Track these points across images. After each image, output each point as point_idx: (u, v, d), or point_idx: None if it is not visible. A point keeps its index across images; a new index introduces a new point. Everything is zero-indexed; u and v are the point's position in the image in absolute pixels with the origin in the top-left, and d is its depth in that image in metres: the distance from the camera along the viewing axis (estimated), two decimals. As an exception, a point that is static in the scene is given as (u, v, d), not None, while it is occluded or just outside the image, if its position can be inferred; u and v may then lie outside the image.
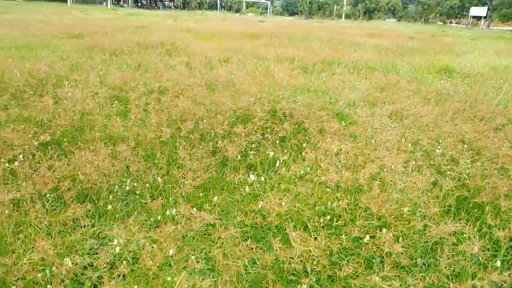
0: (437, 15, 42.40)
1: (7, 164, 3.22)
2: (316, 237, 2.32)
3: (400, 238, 2.56)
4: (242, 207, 3.05)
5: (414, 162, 3.47)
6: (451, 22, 40.41)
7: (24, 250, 2.44)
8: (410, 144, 3.94)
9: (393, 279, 2.19)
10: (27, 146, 3.45)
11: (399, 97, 5.73)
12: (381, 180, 3.04)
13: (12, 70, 5.81)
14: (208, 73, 6.39)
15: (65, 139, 3.86)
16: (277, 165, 3.62)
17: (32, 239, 2.53)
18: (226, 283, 2.17)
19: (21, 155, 3.32)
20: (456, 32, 27.53)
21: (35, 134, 3.71)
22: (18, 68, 6.02)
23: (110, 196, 3.05)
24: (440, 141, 4.02)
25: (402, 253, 2.29)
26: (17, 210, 2.78)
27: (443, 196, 3.05)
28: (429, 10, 41.98)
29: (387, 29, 27.35)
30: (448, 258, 2.35)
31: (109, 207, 2.92)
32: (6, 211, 2.62)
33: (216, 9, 55.65)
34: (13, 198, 2.73)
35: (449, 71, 9.44)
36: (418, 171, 3.31)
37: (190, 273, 2.32)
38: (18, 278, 2.13)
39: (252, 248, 2.37)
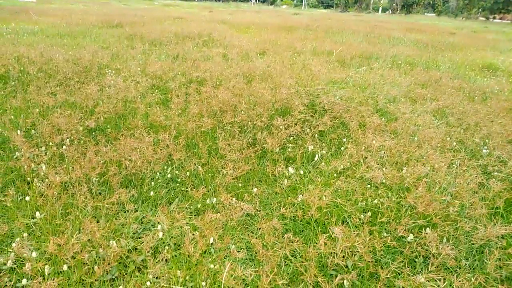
0: (480, 10, 40.56)
1: (55, 148, 3.36)
2: (359, 233, 2.29)
3: (445, 238, 2.49)
4: (281, 199, 3.05)
5: (459, 162, 3.35)
6: (494, 18, 38.55)
7: (72, 231, 2.54)
8: (455, 143, 3.81)
9: (438, 280, 2.14)
10: (74, 131, 3.57)
11: (442, 94, 5.54)
12: (426, 178, 2.95)
13: (58, 58, 6.03)
14: (245, 64, 6.40)
15: (108, 126, 3.97)
16: (315, 159, 3.59)
17: (80, 221, 2.63)
18: (267, 274, 2.18)
19: (67, 140, 3.45)
20: (499, 29, 26.25)
21: (80, 120, 3.84)
22: (63, 55, 6.24)
23: (153, 183, 3.12)
24: (487, 141, 3.86)
25: (448, 254, 2.22)
26: (66, 193, 2.90)
27: (491, 198, 2.94)
28: (471, 5, 40.23)
29: (426, 24, 26.44)
30: (496, 261, 2.26)
31: (152, 193, 2.99)
32: (55, 193, 2.73)
33: (251, 0, 55.52)
34: (62, 181, 2.84)
35: (492, 69, 9.04)
36: (464, 171, 3.20)
37: (232, 262, 2.34)
38: (68, 258, 2.22)
39: (293, 241, 2.36)
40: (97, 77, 5.24)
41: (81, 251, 2.29)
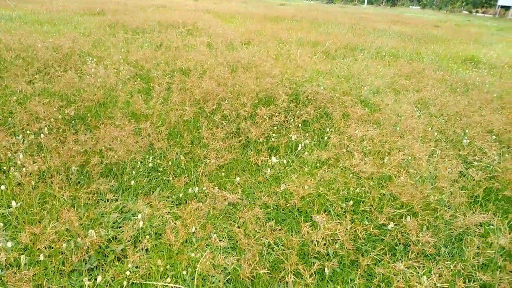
0: (463, 4, 41.04)
1: (32, 136, 3.27)
2: (340, 222, 2.29)
3: (425, 227, 2.52)
4: (264, 188, 3.04)
5: (440, 151, 3.39)
6: (477, 12, 39.05)
7: (49, 220, 2.48)
8: (436, 133, 3.85)
9: (417, 267, 2.16)
10: (52, 119, 3.48)
11: (425, 86, 5.59)
12: (407, 168, 2.97)
13: (37, 45, 5.86)
14: (230, 54, 6.33)
15: (88, 114, 3.88)
16: (299, 148, 3.59)
17: (57, 211, 2.57)
18: (248, 262, 2.17)
19: (46, 128, 3.36)
20: (482, 22, 26.60)
21: (60, 108, 3.74)
22: (42, 42, 6.06)
23: (134, 172, 3.07)
24: (467, 131, 3.92)
25: (427, 242, 2.25)
26: (43, 182, 2.83)
27: (470, 187, 2.99)
28: (455, -1, 40.67)
29: (410, 16, 26.64)
30: (474, 249, 2.30)
31: (132, 182, 2.94)
32: (33, 182, 2.66)
33: (236, -9, 54.84)
34: (39, 169, 2.77)
35: (475, 62, 9.17)
36: (445, 160, 3.24)
37: (213, 251, 2.32)
38: (45, 247, 2.17)
39: (275, 229, 2.36)
40: (78, 65, 5.11)
41: (58, 241, 2.25)
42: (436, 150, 3.41)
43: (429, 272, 2.13)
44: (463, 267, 2.16)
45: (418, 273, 1.99)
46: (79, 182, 2.93)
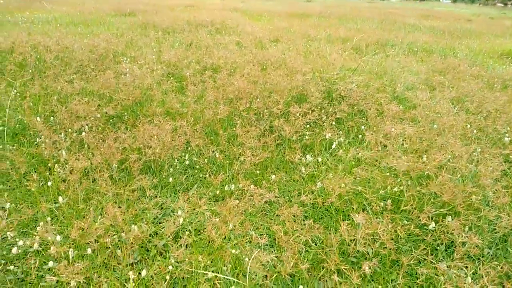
0: (498, -4, 39.47)
1: (74, 134, 3.39)
2: (381, 221, 2.27)
3: (467, 227, 2.45)
4: (299, 186, 3.04)
5: (480, 150, 3.29)
6: (512, 4, 37.50)
7: (94, 216, 2.57)
8: (476, 131, 3.74)
9: (461, 268, 2.12)
10: (92, 118, 3.59)
11: (461, 82, 5.43)
12: (448, 166, 2.91)
13: (73, 46, 6.06)
14: (259, 52, 6.35)
15: (126, 113, 3.99)
16: (333, 146, 3.56)
17: (102, 206, 2.66)
18: (288, 259, 2.18)
19: (86, 126, 3.48)
20: (518, 15, 25.56)
21: (98, 107, 3.86)
22: (78, 43, 6.27)
23: (171, 169, 3.14)
24: (509, 128, 3.79)
25: (472, 242, 2.19)
26: (86, 178, 2.93)
27: (513, 186, 2.89)
28: (488, -9, 39.19)
29: (441, 10, 25.90)
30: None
31: (171, 179, 3.01)
32: (77, 179, 2.76)
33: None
34: (83, 167, 2.87)
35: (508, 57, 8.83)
36: (486, 159, 3.14)
37: (252, 248, 2.35)
38: (92, 241, 2.25)
39: (313, 228, 2.36)
40: (113, 65, 5.25)
41: (104, 235, 2.33)
42: (476, 148, 3.32)
43: (475, 274, 2.09)
44: (510, 269, 2.10)
45: (465, 274, 1.95)
46: (119, 179, 3.02)
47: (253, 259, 2.15)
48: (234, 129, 3.55)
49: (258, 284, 2.15)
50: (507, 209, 2.60)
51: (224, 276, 2.11)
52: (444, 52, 8.44)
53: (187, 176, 3.15)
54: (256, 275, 2.16)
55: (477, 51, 9.09)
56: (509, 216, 2.42)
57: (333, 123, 3.92)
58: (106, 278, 2.18)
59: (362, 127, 3.84)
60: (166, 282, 2.15)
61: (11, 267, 2.18)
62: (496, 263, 2.05)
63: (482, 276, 1.89)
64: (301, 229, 2.38)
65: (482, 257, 2.39)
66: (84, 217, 2.56)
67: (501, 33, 12.84)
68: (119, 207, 2.67)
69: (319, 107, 4.01)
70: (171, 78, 5.06)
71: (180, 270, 2.21)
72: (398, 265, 2.30)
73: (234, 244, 2.40)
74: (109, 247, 2.33)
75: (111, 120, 3.84)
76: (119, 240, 2.38)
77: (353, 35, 9.12)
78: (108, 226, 2.40)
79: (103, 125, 3.65)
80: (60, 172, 2.93)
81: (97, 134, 3.42)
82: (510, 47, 9.93)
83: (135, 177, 2.93)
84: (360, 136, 3.76)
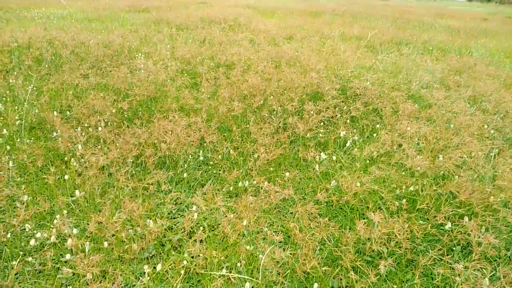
0: (515, -6, 38.71)
1: (90, 129, 3.42)
2: (397, 220, 2.25)
3: (484, 228, 2.42)
4: (314, 184, 3.03)
5: (498, 150, 3.25)
6: (530, 3, 36.74)
7: (111, 210, 2.59)
8: (493, 131, 3.68)
9: (479, 269, 2.09)
10: (108, 113, 3.63)
11: (477, 81, 5.35)
12: (465, 166, 2.87)
13: (88, 41, 6.12)
14: (273, 49, 6.33)
15: (141, 108, 4.02)
16: (347, 145, 3.54)
17: (118, 201, 2.69)
18: (303, 257, 2.17)
19: (102, 121, 3.51)
20: (536, 14, 25.05)
21: (114, 102, 3.89)
22: (93, 39, 6.33)
23: (186, 165, 3.15)
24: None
25: (490, 243, 2.16)
26: (102, 173, 2.96)
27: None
28: (505, -11, 38.46)
29: (457, 9, 25.52)
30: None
31: (185, 175, 3.02)
32: (93, 173, 2.79)
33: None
34: (99, 161, 2.90)
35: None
36: (504, 159, 3.09)
37: (266, 244, 2.35)
38: (109, 235, 2.28)
39: (328, 226, 2.35)
40: (128, 61, 5.29)
41: (120, 230, 2.35)
42: (494, 148, 3.27)
43: (493, 275, 2.06)
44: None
45: (482, 275, 1.92)
46: (135, 174, 3.05)
47: (267, 255, 2.15)
48: (248, 125, 3.55)
49: (272, 281, 2.15)
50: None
51: (238, 276, 2.11)
52: (459, 51, 8.32)
53: (201, 172, 3.16)
54: (270, 272, 2.16)
55: (493, 51, 8.94)
56: (527, 218, 2.39)
57: (348, 121, 3.90)
58: (121, 271, 2.20)
59: (377, 125, 3.81)
60: (181, 276, 2.16)
61: (29, 259, 2.21)
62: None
63: (500, 278, 1.86)
64: (316, 226, 2.37)
65: (499, 258, 2.36)
66: (100, 211, 2.59)
67: (518, 33, 12.60)
68: (135, 201, 2.69)
69: (333, 105, 3.99)
70: (185, 74, 5.08)
71: (195, 265, 2.22)
72: (413, 265, 2.27)
73: (249, 241, 2.41)
74: (125, 241, 2.35)
75: (126, 116, 3.87)
76: (134, 234, 2.40)
77: (367, 33, 9.04)
78: (125, 221, 2.42)
79: (119, 120, 3.68)
80: (76, 166, 2.97)
81: (113, 129, 3.45)
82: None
83: (150, 172, 2.96)
84: (375, 134, 3.73)
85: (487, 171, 2.83)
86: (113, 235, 2.32)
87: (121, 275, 2.16)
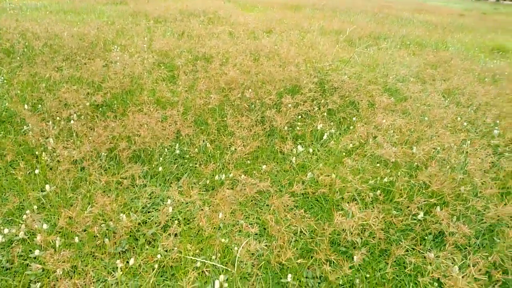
0: (490, -9, 39.62)
1: (63, 122, 3.33)
2: (370, 211, 2.27)
3: (455, 217, 2.47)
4: (290, 176, 3.03)
5: (470, 142, 3.31)
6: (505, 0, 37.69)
7: (83, 205, 2.54)
8: (466, 123, 3.76)
9: (450, 258, 2.14)
10: (81, 106, 3.54)
11: (452, 75, 5.45)
12: (438, 158, 2.92)
13: (63, 34, 5.95)
14: (252, 42, 6.29)
15: (115, 101, 3.93)
16: (324, 137, 3.56)
17: (90, 195, 2.63)
18: (278, 248, 2.18)
19: (75, 114, 3.42)
20: (510, 11, 25.71)
21: (87, 95, 3.80)
22: (68, 31, 6.15)
23: (161, 159, 3.11)
24: (498, 121, 3.82)
25: (461, 232, 2.21)
26: (75, 167, 2.89)
27: (502, 178, 2.91)
28: (481, -14, 39.32)
29: (435, 5, 25.92)
30: (508, 241, 2.25)
31: (160, 168, 2.98)
32: (65, 167, 2.72)
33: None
34: (71, 155, 2.83)
35: (503, 51, 8.88)
36: (476, 150, 3.16)
37: (242, 237, 2.34)
38: (79, 231, 2.23)
39: (304, 217, 2.36)
40: (103, 53, 5.17)
41: (92, 224, 2.30)
42: (466, 140, 3.34)
43: (462, 263, 2.10)
44: (498, 259, 2.13)
45: (452, 263, 1.96)
46: (109, 168, 2.99)
47: (242, 248, 2.14)
48: (225, 119, 3.52)
49: (246, 272, 2.14)
50: (494, 200, 2.63)
51: (213, 263, 2.10)
52: (436, 46, 8.47)
53: (177, 166, 3.12)
54: (245, 264, 2.15)
55: (469, 45, 9.13)
56: (496, 206, 2.45)
57: (325, 114, 3.91)
58: (93, 267, 2.15)
59: (354, 118, 3.84)
60: (154, 270, 2.14)
61: (-4, 255, 2.14)
62: (484, 253, 2.07)
63: (469, 266, 1.90)
64: (292, 218, 2.38)
65: (469, 246, 2.41)
66: (72, 206, 2.53)
67: (493, 28, 12.91)
68: (108, 196, 2.64)
69: (311, 98, 3.99)
70: (162, 67, 5.00)
71: (169, 258, 2.19)
72: (387, 254, 2.31)
73: (224, 233, 2.39)
74: (97, 236, 2.30)
75: (100, 109, 3.79)
76: (107, 229, 2.35)
77: (347, 28, 9.09)
78: (97, 215, 2.37)
79: (92, 114, 3.59)
80: (47, 160, 2.89)
81: (86, 122, 3.37)
82: (502, 42, 10.00)
83: (124, 166, 2.90)
84: (351, 127, 3.75)
85: (459, 162, 2.89)
86: (84, 230, 2.27)
87: (92, 270, 2.12)
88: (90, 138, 3.02)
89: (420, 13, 15.60)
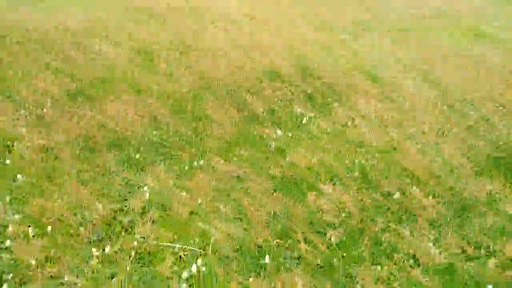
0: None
1: (37, 111, 3.25)
2: (347, 191, 2.28)
3: (431, 196, 2.49)
4: (269, 161, 3.02)
5: (449, 125, 3.35)
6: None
7: (57, 194, 2.48)
8: (444, 106, 3.79)
9: (424, 235, 2.17)
10: (55, 94, 3.46)
11: (431, 59, 5.48)
12: (414, 139, 2.95)
13: (38, 21, 5.80)
14: (233, 28, 6.22)
15: (92, 90, 3.85)
16: (304, 121, 3.55)
17: (65, 184, 2.58)
18: (256, 231, 2.18)
19: (49, 102, 3.34)
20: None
21: (63, 84, 3.72)
22: (48, 22, 5.98)
23: (138, 146, 3.06)
24: (475, 103, 3.86)
25: (434, 210, 2.24)
26: (48, 155, 2.82)
27: (477, 158, 2.95)
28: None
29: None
30: (480, 217, 2.30)
31: (138, 156, 2.93)
32: (38, 156, 2.66)
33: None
34: (44, 144, 2.77)
35: (479, 35, 8.95)
36: (452, 131, 3.20)
37: (221, 222, 2.33)
38: (53, 219, 2.19)
39: (282, 200, 2.36)
40: (80, 40, 5.05)
41: (66, 213, 2.26)
42: (443, 122, 3.37)
43: (436, 239, 2.13)
44: (472, 235, 2.16)
45: (427, 239, 1.99)
46: (83, 156, 2.92)
47: (220, 231, 2.14)
48: (203, 103, 3.48)
49: (225, 256, 2.13)
50: (470, 178, 2.67)
51: (190, 248, 2.08)
52: (416, 31, 8.49)
53: (155, 153, 3.08)
54: (222, 248, 2.14)
55: (450, 31, 9.17)
56: (471, 185, 2.49)
57: (305, 99, 3.90)
58: (68, 256, 2.12)
59: (334, 103, 3.84)
60: (131, 257, 2.11)
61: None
62: (460, 231, 2.10)
63: (441, 241, 1.93)
64: (270, 201, 2.38)
65: (445, 224, 2.44)
66: (45, 195, 2.48)
67: (467, 13, 12.99)
68: (83, 184, 2.59)
69: (291, 83, 3.97)
70: (141, 54, 4.91)
71: (146, 245, 2.17)
72: (363, 233, 2.32)
73: (202, 218, 2.37)
74: (72, 225, 2.26)
75: (76, 97, 3.70)
76: (82, 218, 2.31)
77: (330, 13, 9.05)
78: (71, 204, 2.33)
79: (67, 102, 3.51)
80: (20, 149, 2.82)
81: (61, 111, 3.29)
82: (477, 25, 10.06)
83: (100, 153, 2.85)
84: (331, 111, 3.75)
85: (436, 143, 2.92)
86: (58, 219, 2.23)
87: (67, 259, 2.08)
88: (64, 126, 2.96)
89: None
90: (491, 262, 1.95)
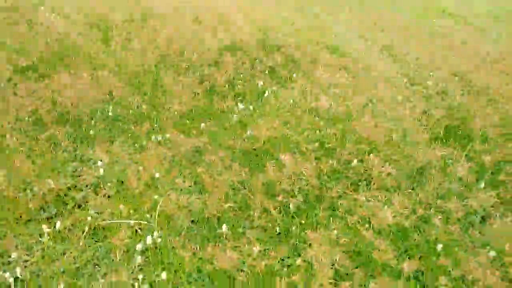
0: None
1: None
2: (306, 160, 2.29)
3: (387, 162, 2.55)
4: (230, 134, 2.98)
5: (405, 93, 3.42)
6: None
7: (5, 170, 2.35)
8: (404, 78, 3.86)
9: (379, 199, 2.22)
10: (4, 70, 3.25)
11: (391, 32, 5.55)
12: (372, 109, 2.99)
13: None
14: (193, 1, 6.02)
15: (43, 65, 3.64)
16: (266, 95, 3.52)
17: (13, 160, 2.44)
18: (214, 203, 2.16)
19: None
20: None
21: (10, 59, 3.50)
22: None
23: (93, 121, 2.94)
24: (432, 74, 3.96)
25: (388, 174, 2.29)
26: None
27: (432, 124, 3.04)
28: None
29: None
30: (435, 181, 2.37)
31: (92, 132, 2.82)
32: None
33: None
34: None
35: (441, 12, 9.15)
36: (410, 101, 3.27)
37: (178, 194, 2.28)
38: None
39: (241, 171, 2.34)
40: (28, 13, 4.74)
41: (13, 190, 2.15)
42: (401, 91, 3.44)
43: (391, 203, 2.19)
44: (424, 197, 2.23)
45: (382, 203, 2.03)
46: (34, 132, 2.78)
47: (177, 204, 2.10)
48: (162, 77, 3.38)
49: (182, 227, 2.11)
50: (424, 145, 2.74)
51: (145, 222, 2.04)
52: (376, 5, 8.56)
53: (110, 128, 2.97)
54: (180, 219, 2.11)
55: (413, 7, 9.30)
56: (425, 151, 2.56)
57: (267, 71, 3.86)
58: (18, 234, 2.03)
59: (294, 75, 3.82)
60: (85, 232, 2.05)
61: None
62: (410, 191, 2.16)
63: (396, 203, 1.98)
64: (230, 173, 2.36)
65: (400, 189, 2.51)
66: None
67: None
68: (33, 160, 2.47)
69: (252, 56, 3.91)
70: (95, 27, 4.68)
71: (101, 220, 2.11)
72: (321, 200, 2.35)
73: (159, 191, 2.33)
74: (19, 201, 2.16)
75: (25, 72, 3.50)
76: (33, 195, 2.21)
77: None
78: (18, 181, 2.22)
79: (16, 78, 3.31)
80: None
81: (9, 86, 3.10)
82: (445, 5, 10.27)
83: (51, 130, 2.71)
84: (292, 84, 3.74)
85: (392, 112, 2.98)
86: (4, 196, 2.12)
87: (15, 236, 1.99)
88: (13, 103, 2.79)
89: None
90: (437, 219, 2.02)
